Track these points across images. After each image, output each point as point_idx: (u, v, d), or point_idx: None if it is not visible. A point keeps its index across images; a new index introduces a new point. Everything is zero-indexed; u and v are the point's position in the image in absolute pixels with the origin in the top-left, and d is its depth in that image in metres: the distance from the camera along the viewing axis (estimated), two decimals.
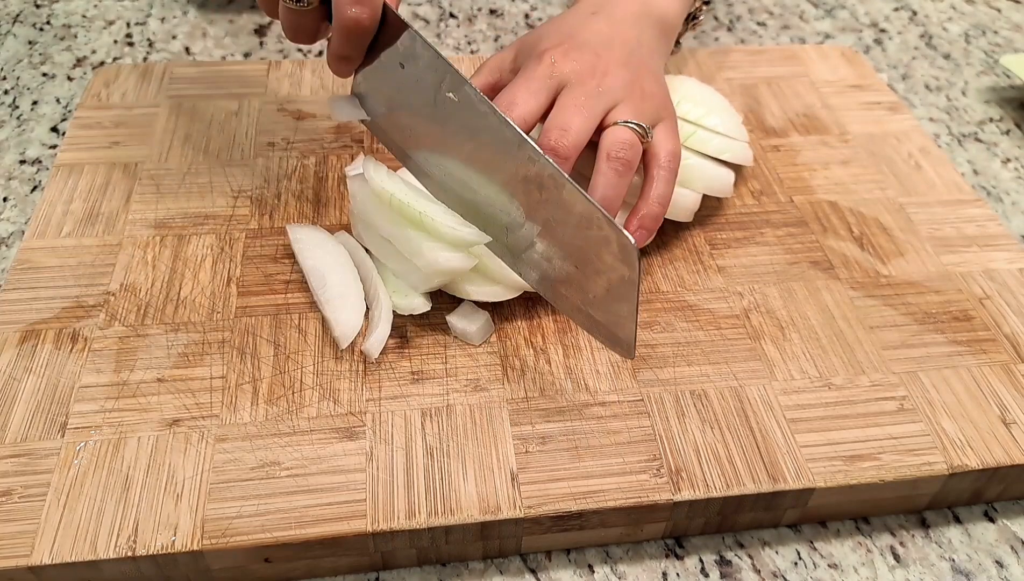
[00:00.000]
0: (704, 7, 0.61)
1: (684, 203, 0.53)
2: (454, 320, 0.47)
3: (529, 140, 0.42)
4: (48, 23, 0.75)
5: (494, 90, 0.52)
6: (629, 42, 0.51)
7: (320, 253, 0.50)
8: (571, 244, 0.43)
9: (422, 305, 0.47)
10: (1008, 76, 0.77)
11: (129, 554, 0.38)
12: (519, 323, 0.49)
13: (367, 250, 0.50)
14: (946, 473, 0.43)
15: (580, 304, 0.44)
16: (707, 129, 0.55)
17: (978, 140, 0.70)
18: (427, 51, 0.44)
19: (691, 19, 0.60)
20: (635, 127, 0.47)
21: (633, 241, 0.40)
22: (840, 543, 0.44)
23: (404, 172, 0.50)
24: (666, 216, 0.50)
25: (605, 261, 0.41)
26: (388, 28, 0.44)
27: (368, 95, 0.47)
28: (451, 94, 0.44)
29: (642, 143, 0.47)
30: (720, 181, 0.55)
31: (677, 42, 0.60)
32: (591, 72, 0.48)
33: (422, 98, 0.45)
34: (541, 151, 0.42)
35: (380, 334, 0.46)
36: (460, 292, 0.48)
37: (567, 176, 0.42)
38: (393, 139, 0.48)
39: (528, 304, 0.50)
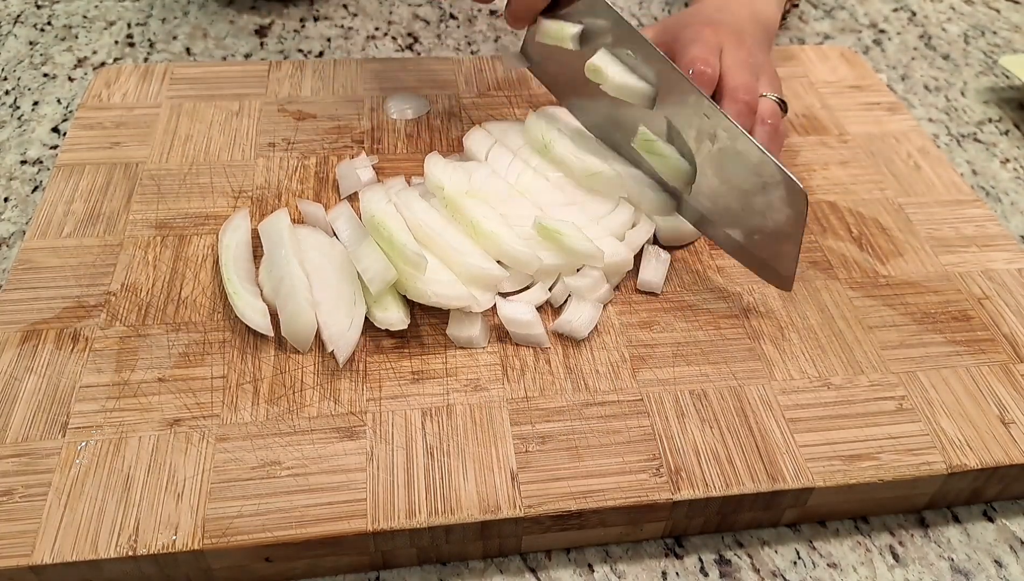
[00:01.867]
0: (792, 8, 0.73)
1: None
2: (454, 331, 0.47)
3: (705, 97, 0.48)
4: (49, 23, 0.75)
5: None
6: (754, 34, 0.59)
7: (314, 254, 0.50)
8: (741, 188, 0.49)
9: (400, 322, 0.47)
10: (1007, 76, 0.77)
11: (130, 553, 0.38)
12: None
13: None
14: (945, 473, 0.43)
15: (744, 243, 0.50)
16: None
17: (977, 140, 0.70)
18: (608, 11, 0.50)
19: (783, 17, 0.68)
20: (778, 102, 0.54)
21: (802, 186, 0.46)
22: (839, 542, 0.44)
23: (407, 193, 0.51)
24: (678, 243, 0.54)
25: (774, 204, 0.47)
26: None
27: (538, 51, 0.55)
28: (630, 51, 0.50)
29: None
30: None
31: None
32: (740, 43, 0.55)
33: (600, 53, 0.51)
34: (717, 107, 0.48)
35: (349, 339, 0.46)
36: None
37: (740, 127, 0.47)
38: (560, 84, 0.56)
39: None
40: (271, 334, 0.47)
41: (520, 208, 0.52)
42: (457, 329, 0.47)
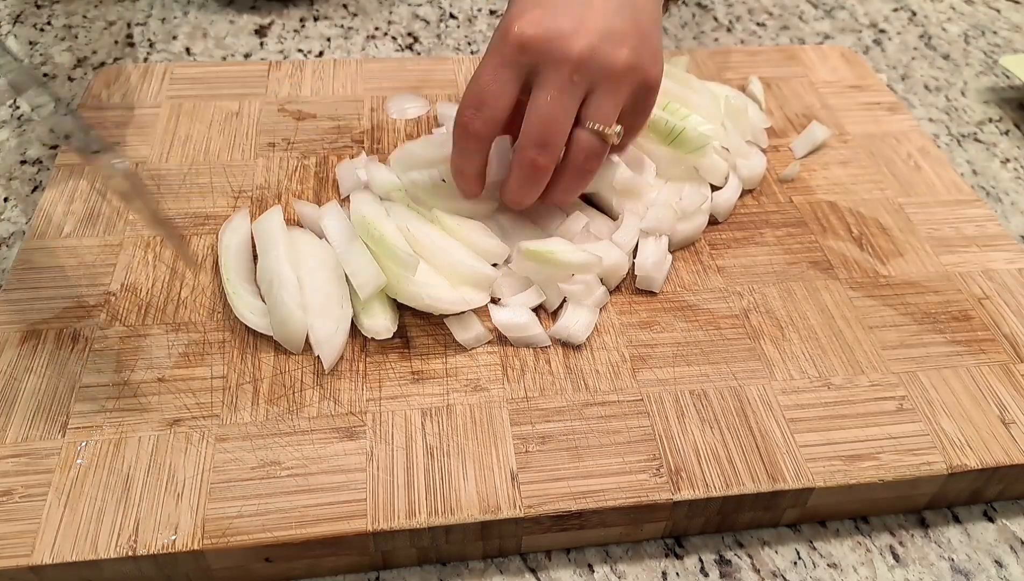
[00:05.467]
0: None
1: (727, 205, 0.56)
2: (459, 335, 0.47)
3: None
4: (49, 23, 0.75)
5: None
6: (623, 10, 0.46)
7: (307, 256, 0.49)
8: None
9: (386, 330, 0.46)
10: (1007, 76, 0.77)
11: (130, 554, 0.38)
12: None
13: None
14: (945, 473, 0.43)
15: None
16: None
17: (977, 140, 0.70)
18: None
19: None
20: (604, 133, 0.45)
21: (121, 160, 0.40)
22: (839, 543, 0.44)
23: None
24: (682, 245, 0.54)
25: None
26: None
27: None
28: None
29: (608, 145, 0.47)
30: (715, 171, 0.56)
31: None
32: (561, 50, 0.43)
33: None
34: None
35: (334, 344, 0.46)
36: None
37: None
38: None
39: None
40: (270, 333, 0.47)
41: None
42: (461, 332, 0.47)
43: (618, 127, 0.46)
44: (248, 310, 0.47)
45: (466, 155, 0.47)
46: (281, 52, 0.73)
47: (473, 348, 0.47)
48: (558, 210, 0.52)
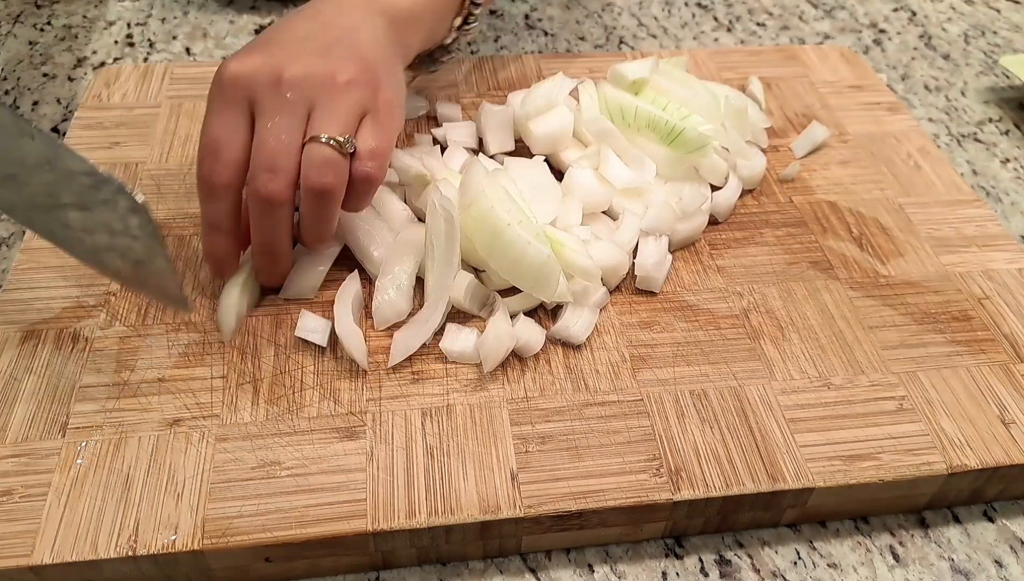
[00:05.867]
0: (474, 9, 0.55)
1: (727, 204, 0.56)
2: (447, 345, 0.47)
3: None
4: (49, 24, 0.75)
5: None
6: (336, 30, 0.46)
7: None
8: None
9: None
10: (1007, 76, 0.77)
11: (130, 554, 0.38)
12: None
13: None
14: (945, 473, 0.43)
15: (125, 271, 0.42)
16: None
17: (977, 140, 0.70)
18: None
19: (463, 24, 0.56)
20: (335, 141, 0.43)
21: (143, 199, 0.38)
22: (839, 543, 0.44)
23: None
24: (682, 246, 0.54)
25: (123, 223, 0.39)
26: None
27: None
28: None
29: (344, 155, 0.44)
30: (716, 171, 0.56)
31: (443, 50, 0.56)
32: (273, 74, 0.43)
33: None
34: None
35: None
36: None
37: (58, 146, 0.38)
38: None
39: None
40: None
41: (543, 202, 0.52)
42: (450, 342, 0.47)
43: (348, 136, 0.44)
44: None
45: (217, 209, 0.44)
46: None
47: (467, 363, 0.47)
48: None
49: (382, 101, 0.46)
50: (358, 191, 0.45)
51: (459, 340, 0.46)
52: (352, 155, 0.44)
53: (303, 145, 0.43)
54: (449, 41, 0.56)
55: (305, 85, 0.43)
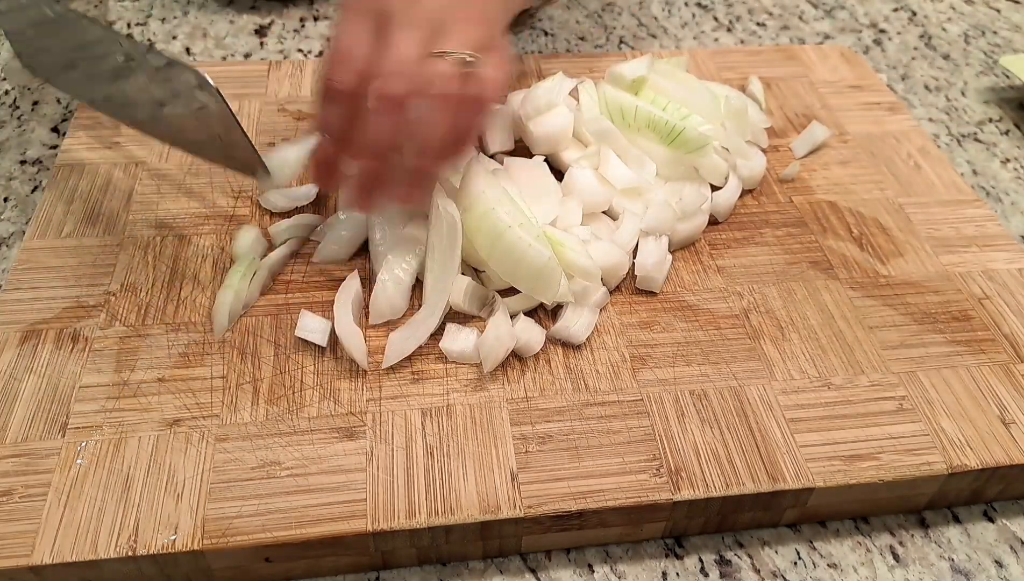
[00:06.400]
0: None
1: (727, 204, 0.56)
2: (446, 345, 0.47)
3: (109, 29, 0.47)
4: None
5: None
6: None
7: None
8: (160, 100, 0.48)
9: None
10: (1007, 76, 0.77)
11: (130, 554, 0.38)
12: None
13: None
14: (945, 473, 0.43)
15: (193, 142, 0.49)
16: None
17: (977, 140, 0.70)
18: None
19: None
20: (464, 59, 0.44)
21: (207, 78, 0.43)
22: (839, 543, 0.44)
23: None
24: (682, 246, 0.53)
25: (195, 98, 0.45)
26: None
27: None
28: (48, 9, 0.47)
29: (467, 73, 0.44)
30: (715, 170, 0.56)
31: (527, 15, 0.56)
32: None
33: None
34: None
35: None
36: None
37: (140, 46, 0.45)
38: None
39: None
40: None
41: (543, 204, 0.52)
42: (450, 342, 0.47)
43: (477, 56, 0.44)
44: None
45: (334, 113, 0.45)
46: (281, 52, 0.73)
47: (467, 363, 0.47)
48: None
49: (500, 46, 0.47)
50: (473, 109, 0.46)
51: (459, 340, 0.46)
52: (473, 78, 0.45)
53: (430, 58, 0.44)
54: (537, 5, 0.56)
55: (437, 7, 0.45)
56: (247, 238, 0.51)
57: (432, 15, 0.45)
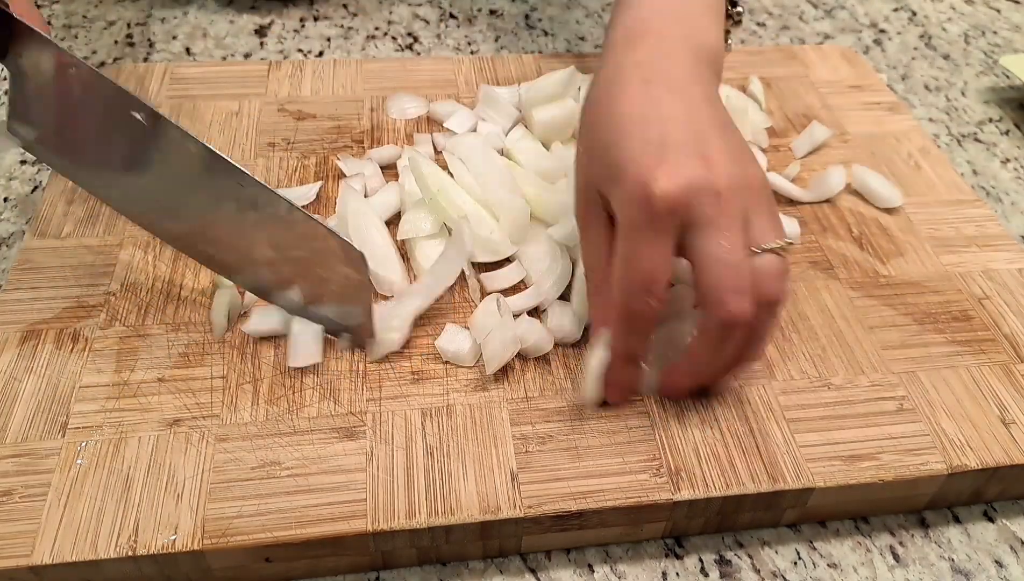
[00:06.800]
0: (734, 10, 0.50)
1: None
2: (443, 344, 0.46)
3: (228, 159, 0.42)
4: (49, 23, 0.75)
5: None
6: (712, 116, 0.42)
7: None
8: (296, 255, 0.44)
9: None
10: (1008, 76, 0.77)
11: (130, 554, 0.38)
12: None
13: None
14: (945, 473, 0.43)
15: (305, 304, 0.46)
16: None
17: (977, 140, 0.70)
18: (99, 78, 0.42)
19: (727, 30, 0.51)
20: (783, 249, 0.40)
21: (360, 251, 0.41)
22: (840, 543, 0.44)
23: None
24: None
25: (334, 268, 0.43)
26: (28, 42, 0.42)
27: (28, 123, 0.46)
28: (138, 115, 0.42)
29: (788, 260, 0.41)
30: None
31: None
32: (711, 191, 0.39)
33: (97, 119, 0.44)
34: (245, 171, 0.41)
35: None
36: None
37: (276, 191, 0.42)
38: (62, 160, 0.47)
39: None
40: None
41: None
42: (447, 341, 0.46)
43: (787, 238, 0.41)
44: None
45: (639, 341, 0.42)
46: (281, 52, 0.73)
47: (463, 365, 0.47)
48: None
49: (771, 192, 0.42)
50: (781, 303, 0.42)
51: (456, 341, 0.46)
52: None
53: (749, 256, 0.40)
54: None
55: (737, 195, 0.39)
56: None
57: (736, 206, 0.39)
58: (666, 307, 0.41)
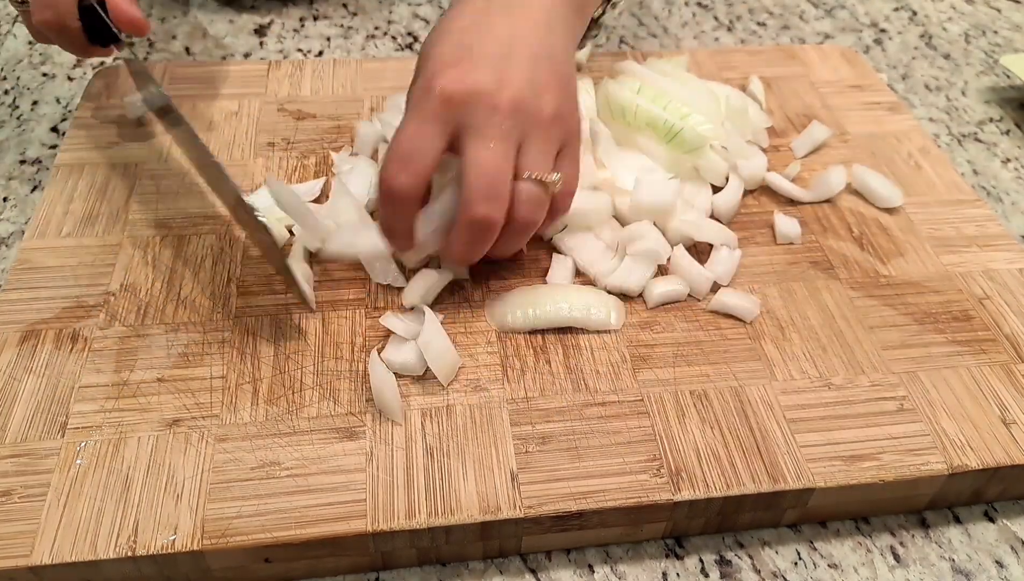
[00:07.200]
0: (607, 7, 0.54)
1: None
2: (389, 356, 0.45)
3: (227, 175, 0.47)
4: None
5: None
6: (534, 44, 0.46)
7: None
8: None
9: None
10: (1008, 76, 0.77)
11: (129, 554, 0.38)
12: None
13: None
14: (946, 473, 0.43)
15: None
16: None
17: (978, 140, 0.70)
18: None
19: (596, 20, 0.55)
20: (545, 181, 0.44)
21: (264, 219, 0.44)
22: (840, 543, 0.44)
23: None
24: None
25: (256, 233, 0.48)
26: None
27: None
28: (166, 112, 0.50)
29: (549, 194, 0.46)
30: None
31: (593, 26, 0.55)
32: (490, 101, 0.43)
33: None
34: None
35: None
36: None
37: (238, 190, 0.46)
38: None
39: None
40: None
41: None
42: (392, 354, 0.46)
43: (556, 175, 0.45)
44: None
45: (396, 214, 0.45)
46: (281, 52, 0.73)
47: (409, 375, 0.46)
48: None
49: (575, 131, 0.47)
50: (546, 223, 0.47)
51: (402, 352, 0.46)
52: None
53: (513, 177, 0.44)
54: (598, 15, 0.54)
55: (518, 119, 0.44)
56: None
57: (513, 124, 0.44)
58: (421, 189, 0.45)
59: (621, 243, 0.51)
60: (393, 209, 0.45)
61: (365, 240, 0.48)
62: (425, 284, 0.49)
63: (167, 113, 0.52)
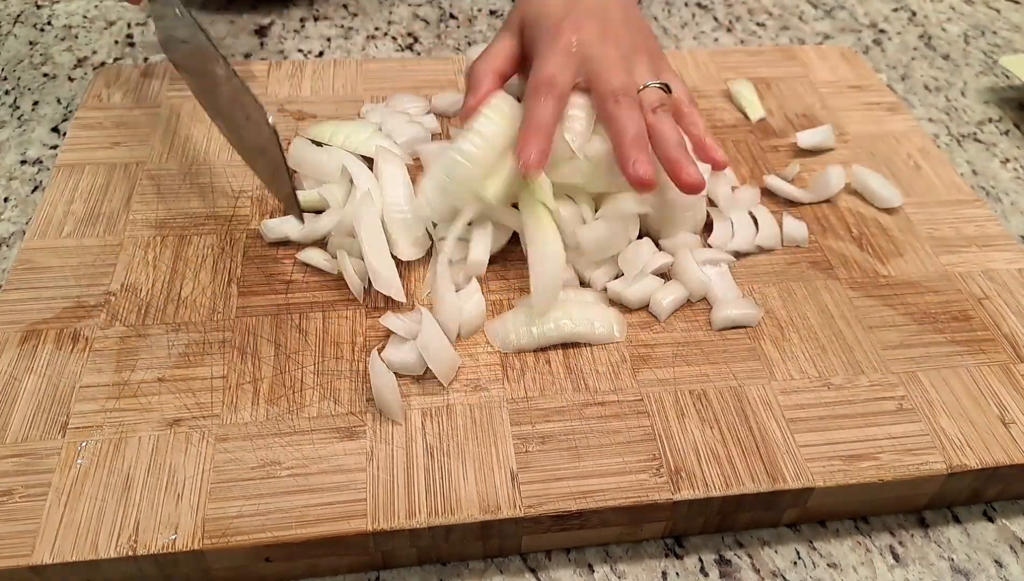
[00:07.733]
0: None
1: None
2: (389, 356, 0.46)
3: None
4: (49, 24, 0.75)
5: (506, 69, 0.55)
6: (616, 12, 0.55)
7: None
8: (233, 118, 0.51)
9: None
10: (1007, 76, 0.77)
11: (130, 554, 0.38)
12: None
13: None
14: (945, 473, 0.43)
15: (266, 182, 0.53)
16: None
17: (977, 140, 0.70)
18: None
19: None
20: (662, 87, 0.53)
21: (268, 115, 0.47)
22: (839, 543, 0.44)
23: None
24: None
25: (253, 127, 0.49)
26: None
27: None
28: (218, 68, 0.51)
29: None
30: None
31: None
32: (603, 34, 0.53)
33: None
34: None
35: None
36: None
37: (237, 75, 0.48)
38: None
39: None
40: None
41: None
42: (392, 353, 0.46)
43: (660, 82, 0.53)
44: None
45: (535, 135, 0.49)
46: (281, 52, 0.73)
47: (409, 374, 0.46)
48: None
49: (662, 57, 0.57)
50: (691, 134, 0.55)
51: (402, 351, 0.46)
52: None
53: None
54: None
55: (623, 49, 0.53)
56: None
57: (622, 56, 0.52)
58: (561, 110, 0.51)
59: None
60: (536, 135, 0.49)
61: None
62: (486, 241, 0.50)
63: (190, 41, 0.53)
